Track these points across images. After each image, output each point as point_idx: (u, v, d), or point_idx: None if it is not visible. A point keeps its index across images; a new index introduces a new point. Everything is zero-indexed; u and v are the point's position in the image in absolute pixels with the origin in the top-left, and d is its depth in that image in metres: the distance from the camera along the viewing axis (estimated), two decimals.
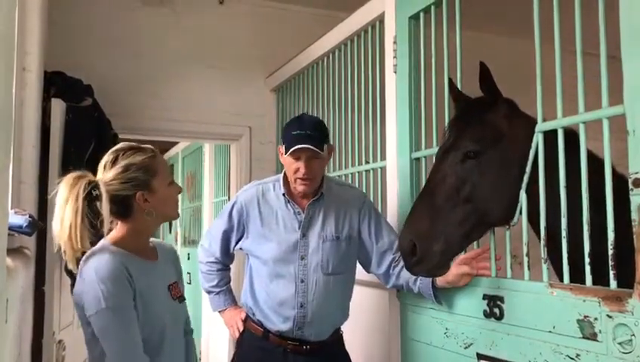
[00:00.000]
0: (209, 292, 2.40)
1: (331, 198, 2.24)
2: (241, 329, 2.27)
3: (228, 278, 2.42)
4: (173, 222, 6.74)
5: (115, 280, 1.59)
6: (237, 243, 2.31)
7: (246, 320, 2.27)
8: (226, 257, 2.37)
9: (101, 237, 1.67)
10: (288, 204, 2.21)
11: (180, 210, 1.88)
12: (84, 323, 1.64)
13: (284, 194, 2.22)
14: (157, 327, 1.69)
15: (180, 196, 1.87)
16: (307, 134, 2.09)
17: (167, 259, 1.88)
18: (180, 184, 6.48)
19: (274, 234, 2.19)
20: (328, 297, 2.17)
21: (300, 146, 2.08)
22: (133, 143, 1.77)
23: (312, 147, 2.07)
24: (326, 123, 3.12)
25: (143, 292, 1.65)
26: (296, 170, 2.13)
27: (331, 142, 2.27)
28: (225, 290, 2.38)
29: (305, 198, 2.22)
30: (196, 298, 5.36)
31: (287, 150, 2.12)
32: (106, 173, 1.68)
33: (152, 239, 1.86)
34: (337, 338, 2.28)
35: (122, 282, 1.60)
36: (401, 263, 2.16)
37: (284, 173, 2.24)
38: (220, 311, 2.39)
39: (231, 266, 2.44)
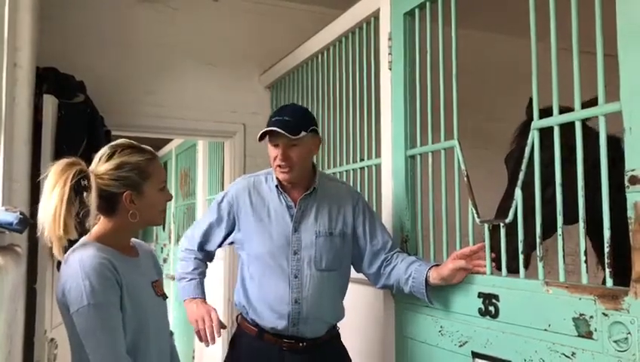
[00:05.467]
0: (180, 279, 2.24)
1: (324, 193, 2.21)
2: (216, 327, 2.08)
3: (203, 271, 2.29)
4: (167, 220, 6.73)
5: (100, 276, 1.55)
6: (227, 236, 2.25)
7: (240, 321, 2.23)
8: (206, 252, 2.29)
9: (85, 229, 1.65)
10: (281, 196, 2.18)
11: (164, 218, 1.85)
12: (67, 322, 1.62)
13: (276, 186, 2.19)
14: (145, 323, 1.66)
15: (167, 203, 1.83)
16: (284, 120, 2.06)
17: (147, 257, 1.85)
18: (173, 181, 6.46)
19: (265, 228, 2.16)
20: (323, 293, 2.14)
21: (267, 129, 2.06)
22: (134, 142, 1.74)
23: (279, 130, 2.03)
24: (321, 120, 3.14)
25: (129, 288, 1.63)
26: (275, 158, 2.10)
27: (319, 133, 2.22)
28: (198, 280, 2.23)
29: (297, 192, 2.18)
30: None
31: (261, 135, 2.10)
32: (99, 166, 1.65)
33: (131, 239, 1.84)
34: (334, 335, 2.25)
35: (108, 278, 1.57)
36: (393, 263, 2.15)
37: None
38: (186, 301, 2.19)
39: (208, 263, 2.34)
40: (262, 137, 2.11)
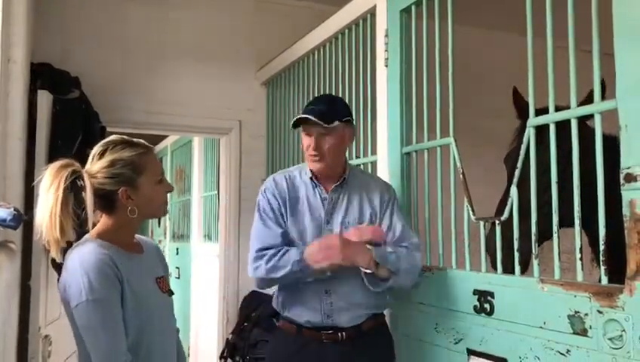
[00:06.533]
0: (281, 272, 1.99)
1: (355, 184, 2.16)
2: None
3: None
4: (162, 217, 6.72)
5: (100, 272, 1.55)
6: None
7: (278, 324, 2.18)
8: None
9: (86, 230, 1.64)
10: (316, 189, 2.14)
11: (166, 209, 1.84)
12: (71, 318, 1.62)
13: (311, 178, 2.15)
14: (149, 320, 1.66)
15: (169, 194, 1.83)
16: (316, 109, 2.05)
17: (152, 253, 1.85)
18: (169, 178, 6.44)
19: (300, 221, 2.12)
20: (353, 282, 2.05)
21: (301, 116, 2.04)
22: (126, 137, 1.73)
23: (312, 118, 2.02)
24: None
25: (132, 284, 1.62)
26: (308, 147, 2.08)
27: (354, 124, 2.19)
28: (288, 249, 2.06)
29: (330, 184, 2.14)
30: (185, 293, 5.33)
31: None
32: (92, 165, 1.65)
33: (135, 235, 1.83)
34: (378, 324, 2.13)
35: (107, 274, 1.56)
36: None
37: None
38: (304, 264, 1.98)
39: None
40: (295, 125, 2.08)
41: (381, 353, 2.13)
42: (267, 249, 2.05)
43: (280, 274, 2.00)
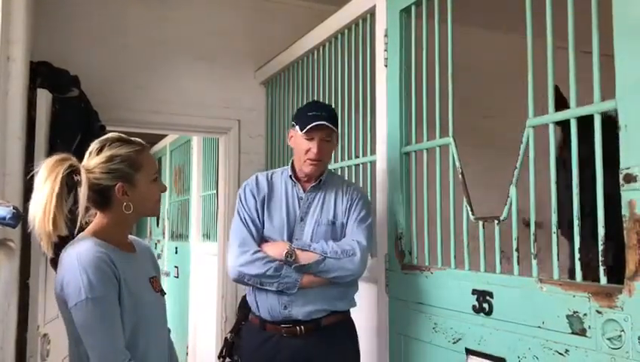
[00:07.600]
0: (273, 277, 2.10)
1: (331, 186, 2.26)
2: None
3: None
4: (161, 216, 6.72)
5: (99, 270, 1.55)
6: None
7: (250, 317, 2.28)
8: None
9: (81, 227, 1.64)
10: (294, 188, 2.25)
11: (159, 208, 1.85)
12: (66, 317, 1.61)
13: (290, 177, 2.25)
14: (144, 318, 1.66)
15: (162, 193, 1.84)
16: (323, 115, 2.15)
17: (144, 253, 1.86)
18: (167, 177, 6.42)
19: (275, 217, 2.21)
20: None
21: (317, 123, 2.12)
22: (122, 135, 1.74)
23: (329, 124, 2.12)
24: None
25: (129, 283, 1.63)
26: (308, 151, 2.16)
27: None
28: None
29: (308, 184, 2.25)
30: (184, 292, 5.33)
31: (302, 128, 2.14)
32: (89, 161, 1.66)
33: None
34: (338, 320, 2.19)
35: (105, 271, 1.57)
36: None
37: (292, 161, 2.28)
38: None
39: None
40: (303, 129, 2.16)
41: (342, 349, 2.20)
42: (247, 247, 2.16)
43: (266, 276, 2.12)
